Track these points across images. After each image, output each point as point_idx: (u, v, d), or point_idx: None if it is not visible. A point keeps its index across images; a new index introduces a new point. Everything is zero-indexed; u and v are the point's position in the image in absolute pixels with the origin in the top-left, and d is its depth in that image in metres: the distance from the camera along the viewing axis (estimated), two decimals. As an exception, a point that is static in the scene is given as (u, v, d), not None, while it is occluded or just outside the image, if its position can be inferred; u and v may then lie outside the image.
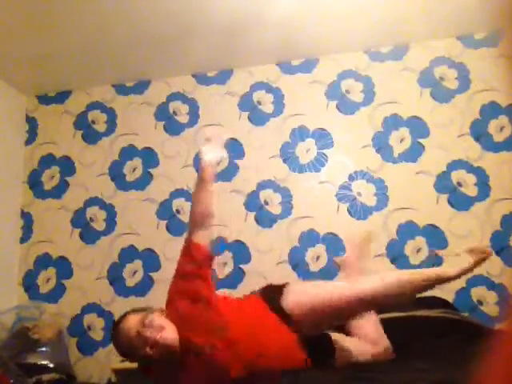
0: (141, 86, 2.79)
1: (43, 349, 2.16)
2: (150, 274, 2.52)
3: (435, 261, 2.27)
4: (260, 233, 2.45)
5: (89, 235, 2.63)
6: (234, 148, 2.60)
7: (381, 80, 2.55)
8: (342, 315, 1.51)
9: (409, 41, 2.53)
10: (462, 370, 0.78)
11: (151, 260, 2.53)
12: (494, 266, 2.20)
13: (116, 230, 2.61)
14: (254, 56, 2.61)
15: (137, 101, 2.78)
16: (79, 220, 2.66)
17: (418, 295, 1.68)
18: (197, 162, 2.62)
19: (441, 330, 1.70)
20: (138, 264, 2.54)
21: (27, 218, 2.72)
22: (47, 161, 2.79)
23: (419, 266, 2.27)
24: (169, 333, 1.42)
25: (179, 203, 2.59)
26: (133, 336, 1.42)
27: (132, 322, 1.46)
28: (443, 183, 2.36)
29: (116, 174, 2.69)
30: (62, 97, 2.87)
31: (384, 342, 1.59)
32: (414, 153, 2.43)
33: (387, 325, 1.62)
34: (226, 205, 2.52)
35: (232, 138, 2.62)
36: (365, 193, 2.42)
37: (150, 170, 2.67)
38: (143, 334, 1.40)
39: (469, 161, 2.36)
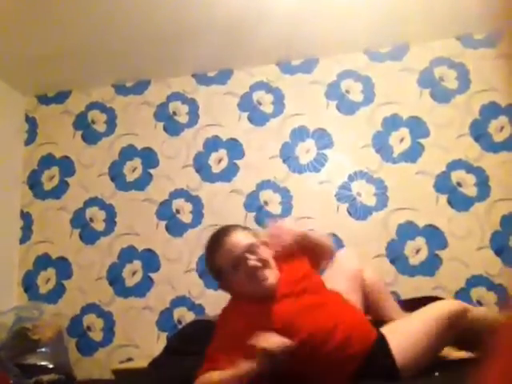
0: (140, 86, 2.79)
1: (43, 349, 2.16)
2: (150, 274, 2.52)
3: (434, 262, 2.27)
4: (260, 233, 2.45)
5: (88, 235, 2.63)
6: (234, 148, 2.60)
7: (380, 80, 2.55)
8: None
9: (408, 41, 2.53)
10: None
11: (151, 260, 2.53)
12: (493, 266, 2.20)
13: (116, 230, 2.61)
14: (254, 56, 2.61)
15: (136, 101, 2.78)
16: (79, 220, 2.66)
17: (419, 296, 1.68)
18: (196, 161, 2.63)
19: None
20: (137, 264, 2.54)
21: (27, 219, 2.72)
22: (47, 161, 2.79)
23: (419, 266, 2.27)
24: (272, 273, 1.46)
25: (179, 203, 2.58)
26: (234, 255, 1.45)
27: (242, 236, 1.50)
28: (443, 183, 2.36)
29: (116, 174, 2.69)
30: (61, 97, 2.87)
31: None
32: (413, 153, 2.43)
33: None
34: (226, 205, 2.52)
35: (232, 138, 2.63)
36: (364, 193, 2.42)
37: (149, 170, 2.67)
38: (245, 257, 1.44)
39: (468, 161, 2.36)
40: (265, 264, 1.46)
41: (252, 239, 1.51)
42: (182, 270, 2.48)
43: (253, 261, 1.44)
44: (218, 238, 1.52)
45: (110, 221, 2.63)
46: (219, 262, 1.49)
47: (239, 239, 1.48)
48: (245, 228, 1.61)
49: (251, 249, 1.47)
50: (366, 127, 2.51)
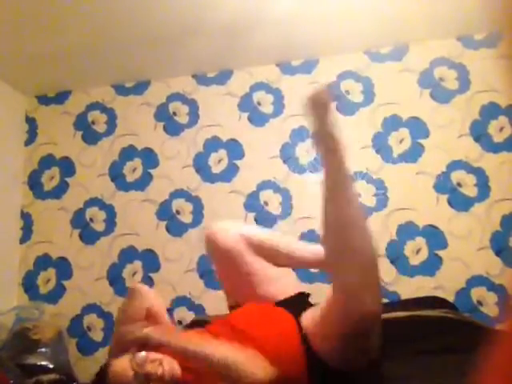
0: (140, 87, 2.79)
1: (43, 349, 2.16)
2: (150, 274, 2.52)
3: (434, 262, 2.27)
4: (260, 233, 2.45)
5: (88, 236, 2.63)
6: (234, 148, 2.61)
7: (380, 81, 2.55)
8: None
9: (409, 41, 2.54)
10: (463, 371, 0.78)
11: (151, 260, 2.53)
12: (493, 267, 2.20)
13: (116, 230, 2.61)
14: (254, 56, 2.61)
15: (137, 101, 2.78)
16: (79, 220, 2.66)
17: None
18: (196, 162, 2.63)
19: (443, 330, 1.69)
20: (137, 265, 2.54)
21: (27, 219, 2.72)
22: (47, 161, 2.79)
23: (419, 267, 2.27)
24: (169, 363, 1.27)
25: (179, 204, 2.59)
26: (130, 378, 1.23)
27: (122, 365, 1.27)
28: (443, 184, 2.36)
29: (116, 174, 2.69)
30: (61, 97, 2.87)
31: None
32: (413, 153, 2.43)
33: (389, 324, 1.62)
34: (226, 205, 2.52)
35: (232, 139, 2.63)
36: (364, 193, 2.42)
37: (149, 170, 2.67)
38: (143, 371, 1.23)
39: (469, 161, 2.36)
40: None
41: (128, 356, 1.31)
42: (182, 270, 2.49)
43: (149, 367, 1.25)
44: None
45: (110, 221, 2.63)
46: None
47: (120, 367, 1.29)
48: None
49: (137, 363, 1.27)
50: (366, 127, 2.51)
